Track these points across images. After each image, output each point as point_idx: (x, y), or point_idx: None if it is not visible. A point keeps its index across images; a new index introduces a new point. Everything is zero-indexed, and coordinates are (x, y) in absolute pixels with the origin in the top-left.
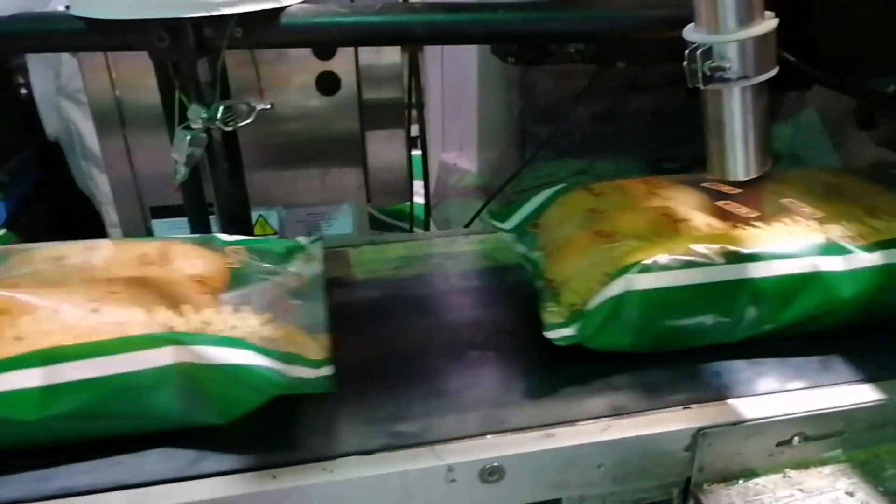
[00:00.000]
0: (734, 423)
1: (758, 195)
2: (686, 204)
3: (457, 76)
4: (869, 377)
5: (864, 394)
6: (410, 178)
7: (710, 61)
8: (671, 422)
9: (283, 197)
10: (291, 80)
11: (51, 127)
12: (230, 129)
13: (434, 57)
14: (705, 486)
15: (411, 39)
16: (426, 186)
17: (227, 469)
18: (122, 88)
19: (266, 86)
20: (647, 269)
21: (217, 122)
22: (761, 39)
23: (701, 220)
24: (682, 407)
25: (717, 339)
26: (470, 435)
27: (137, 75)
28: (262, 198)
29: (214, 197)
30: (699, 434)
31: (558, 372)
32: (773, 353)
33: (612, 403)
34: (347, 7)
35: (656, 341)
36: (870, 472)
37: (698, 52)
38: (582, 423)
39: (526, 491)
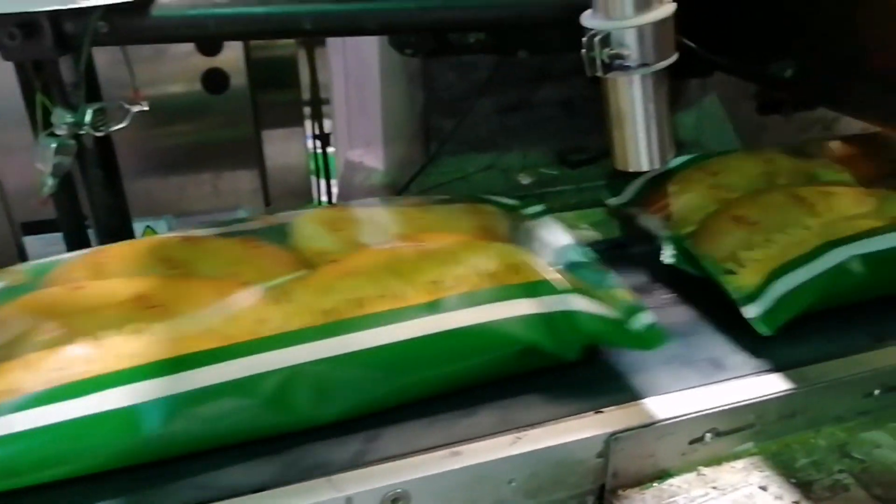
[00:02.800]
0: (646, 425)
1: None
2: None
3: (360, 69)
4: (777, 366)
5: (773, 384)
6: (321, 177)
7: (608, 48)
8: (582, 429)
9: (172, 205)
10: (174, 78)
11: None
12: (102, 133)
13: (336, 49)
14: (620, 492)
15: (298, 32)
16: (328, 186)
17: None
18: None
19: (145, 85)
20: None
21: (86, 127)
22: (660, 25)
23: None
24: (592, 412)
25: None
26: (369, 462)
27: None
28: (148, 207)
29: (90, 208)
30: (611, 439)
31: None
32: (682, 350)
33: (520, 414)
34: None
35: None
36: (781, 464)
37: (596, 39)
38: (489, 438)
39: None
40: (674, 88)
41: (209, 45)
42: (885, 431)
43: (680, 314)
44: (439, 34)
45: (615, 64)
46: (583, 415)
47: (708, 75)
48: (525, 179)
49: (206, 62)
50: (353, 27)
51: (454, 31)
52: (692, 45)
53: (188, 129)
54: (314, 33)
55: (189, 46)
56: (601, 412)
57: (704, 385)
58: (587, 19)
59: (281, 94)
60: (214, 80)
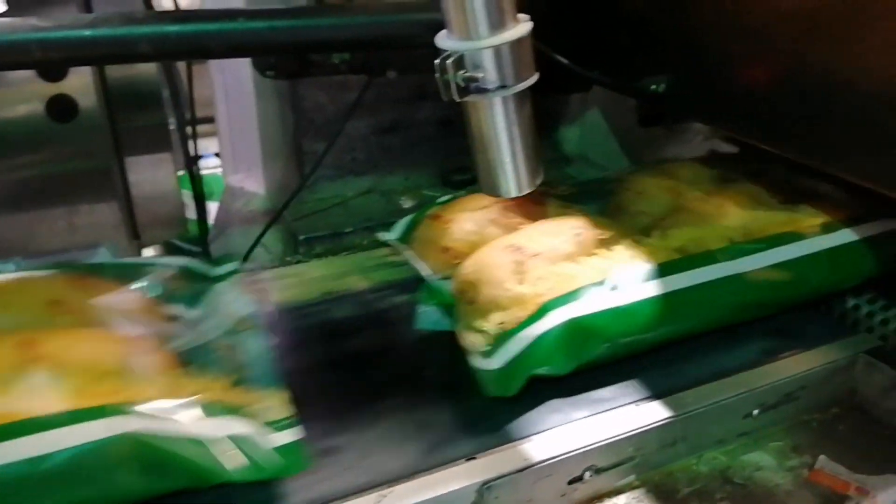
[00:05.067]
0: (521, 470)
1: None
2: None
3: (238, 89)
4: (654, 394)
5: (651, 413)
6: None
7: (463, 71)
8: (452, 480)
9: (20, 245)
10: (13, 107)
11: None
12: None
13: (217, 66)
14: None
15: (134, 57)
16: (200, 212)
17: None
18: None
19: None
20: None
21: None
22: (517, 45)
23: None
24: (464, 460)
25: None
26: None
27: None
28: None
29: None
30: (484, 488)
31: (322, 440)
32: (555, 387)
33: (385, 469)
34: (52, 20)
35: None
36: (664, 496)
37: (448, 61)
38: (351, 498)
39: None
40: (555, 104)
41: (52, 71)
42: (766, 452)
43: None
44: (301, 55)
45: (472, 87)
46: (454, 463)
47: (588, 90)
48: (407, 202)
49: (50, 88)
50: (196, 50)
51: (310, 52)
52: (565, 61)
53: (34, 160)
54: (153, 58)
55: (30, 73)
56: (474, 458)
57: (581, 419)
58: (442, 40)
59: (144, 117)
60: (60, 107)
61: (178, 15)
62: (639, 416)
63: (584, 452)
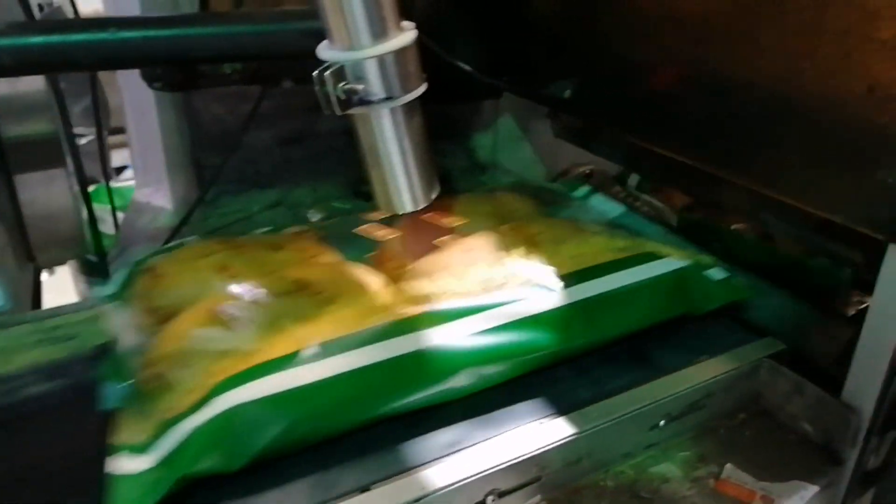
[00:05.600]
0: (419, 499)
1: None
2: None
3: (143, 100)
4: (557, 411)
5: (555, 431)
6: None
7: (343, 83)
8: None
9: None
10: None
11: None
12: None
13: (124, 77)
14: None
15: None
16: (94, 232)
17: None
18: None
19: None
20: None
21: None
22: (401, 54)
23: None
24: (358, 492)
25: None
26: None
27: None
28: None
29: None
30: None
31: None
32: (454, 409)
33: None
34: None
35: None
36: None
37: (327, 73)
38: None
39: None
40: (466, 111)
41: None
42: (674, 463)
43: None
44: (187, 66)
45: (354, 99)
46: (347, 496)
47: (499, 96)
48: (315, 216)
49: None
50: (63, 62)
51: (188, 63)
52: (467, 68)
53: None
54: (16, 71)
55: None
56: (368, 490)
57: (481, 442)
58: (322, 51)
59: (32, 131)
60: None
61: (44, 26)
62: (542, 434)
63: (485, 476)
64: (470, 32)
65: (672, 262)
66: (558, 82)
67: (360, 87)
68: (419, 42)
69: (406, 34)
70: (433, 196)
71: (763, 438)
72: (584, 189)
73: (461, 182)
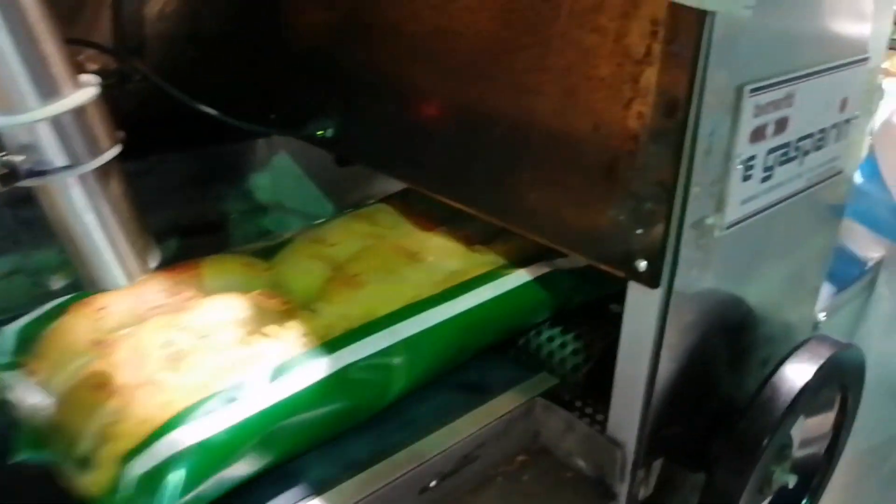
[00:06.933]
0: None
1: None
2: None
3: None
4: (314, 490)
5: None
6: None
7: (2, 153)
8: None
9: None
10: None
11: None
12: None
13: None
14: None
15: None
16: None
17: None
18: None
19: None
20: None
21: None
22: (81, 113)
23: None
24: None
25: None
26: None
27: None
28: None
29: None
30: None
31: None
32: None
33: None
34: None
35: None
36: None
37: None
38: None
39: None
40: (237, 152)
41: None
42: None
43: None
44: None
45: (23, 171)
46: None
47: (269, 135)
48: (59, 282)
49: None
50: None
51: None
52: (213, 111)
53: None
54: None
55: None
56: None
57: None
58: None
59: None
60: None
61: None
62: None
63: None
64: (221, 70)
65: None
66: (320, 120)
67: (20, 157)
68: (152, 88)
69: (85, 90)
70: (153, 264)
71: (541, 479)
72: None
73: (240, 228)
